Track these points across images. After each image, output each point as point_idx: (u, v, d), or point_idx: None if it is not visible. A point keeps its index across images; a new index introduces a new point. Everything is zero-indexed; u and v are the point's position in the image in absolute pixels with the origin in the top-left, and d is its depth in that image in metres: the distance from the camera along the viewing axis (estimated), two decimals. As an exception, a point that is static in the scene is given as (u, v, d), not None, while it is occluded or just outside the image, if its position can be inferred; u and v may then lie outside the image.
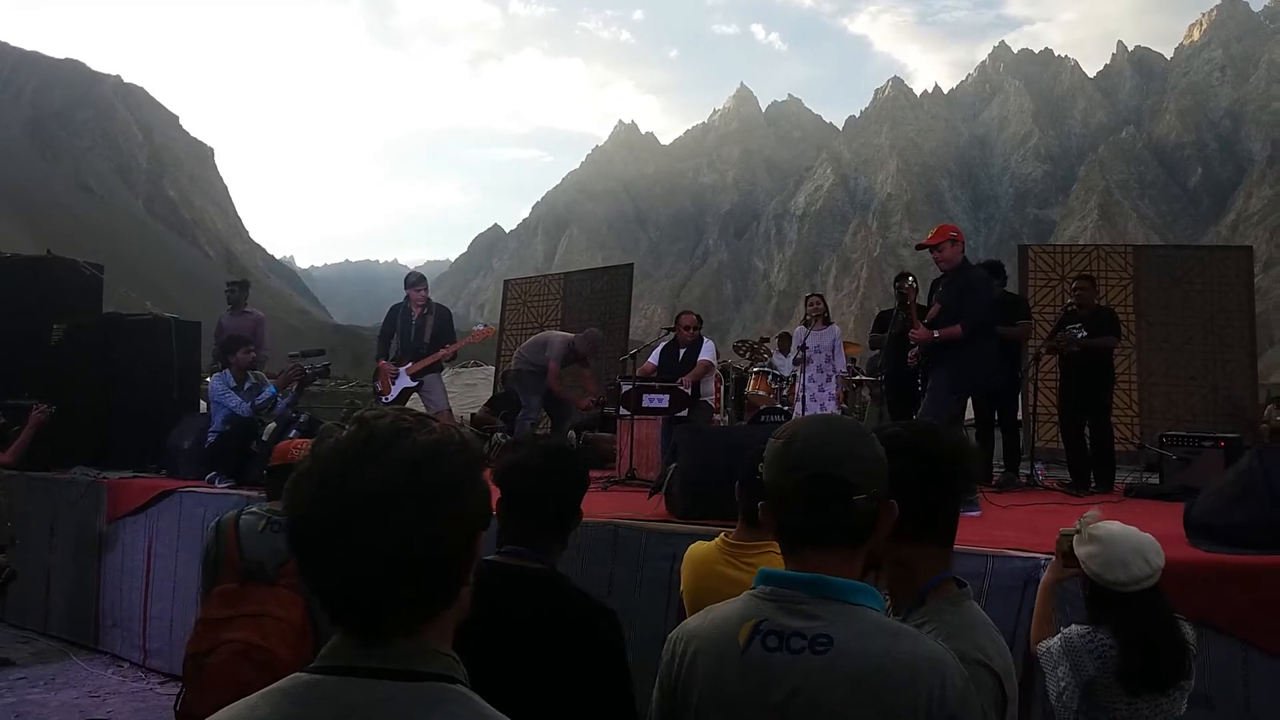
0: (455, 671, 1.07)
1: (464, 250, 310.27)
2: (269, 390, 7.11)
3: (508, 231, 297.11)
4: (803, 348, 8.37)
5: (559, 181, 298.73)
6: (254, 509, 3.32)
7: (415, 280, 8.55)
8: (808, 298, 9.18)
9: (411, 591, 1.03)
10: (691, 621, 1.58)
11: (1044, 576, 2.88)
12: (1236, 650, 3.37)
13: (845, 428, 1.57)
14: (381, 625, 1.04)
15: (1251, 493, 3.84)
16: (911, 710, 1.35)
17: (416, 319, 8.30)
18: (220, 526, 3.25)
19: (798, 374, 8.57)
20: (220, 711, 1.03)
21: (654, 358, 8.37)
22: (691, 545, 2.79)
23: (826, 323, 8.82)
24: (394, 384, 8.14)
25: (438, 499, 1.03)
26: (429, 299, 8.48)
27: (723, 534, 2.71)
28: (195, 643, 2.98)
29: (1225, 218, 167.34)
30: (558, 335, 8.64)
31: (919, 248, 6.47)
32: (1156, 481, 6.77)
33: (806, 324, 8.74)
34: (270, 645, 2.82)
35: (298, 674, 1.05)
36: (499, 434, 9.22)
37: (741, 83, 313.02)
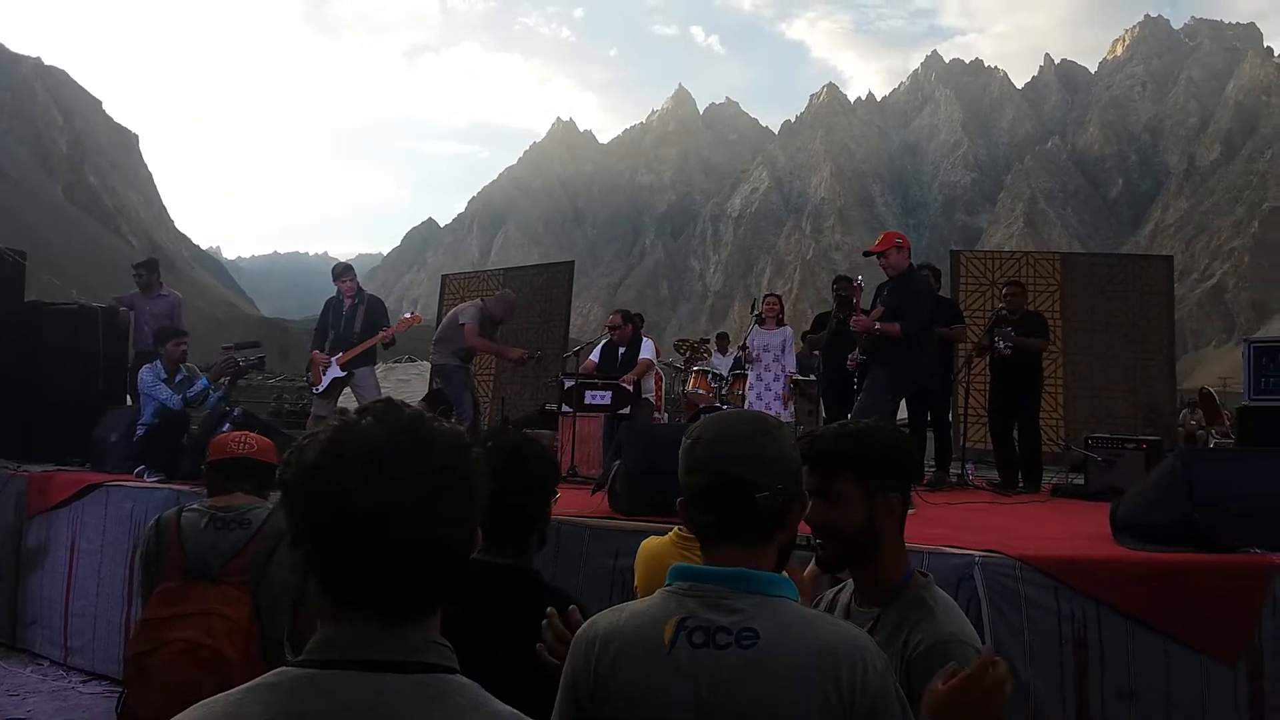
0: (452, 661, 1.06)
1: (397, 244, 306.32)
2: (201, 383, 6.94)
3: (442, 226, 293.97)
4: (743, 346, 8.46)
5: (495, 177, 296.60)
6: (195, 506, 3.23)
7: (342, 270, 8.48)
8: (765, 296, 9.27)
9: (435, 578, 1.06)
10: (602, 619, 1.53)
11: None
12: (1159, 644, 3.49)
13: (747, 426, 1.58)
14: (404, 611, 1.04)
15: (1173, 493, 3.99)
16: (836, 693, 1.36)
17: (348, 309, 8.21)
18: (160, 524, 3.16)
19: (748, 372, 8.66)
20: (197, 706, 1.00)
21: (594, 355, 8.39)
22: (645, 540, 2.82)
23: (780, 323, 8.92)
24: (325, 375, 8.03)
25: (466, 489, 1.08)
26: (359, 289, 8.40)
27: (676, 528, 2.75)
28: (137, 643, 2.90)
29: (1144, 228, 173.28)
30: (466, 304, 8.41)
31: (866, 254, 6.60)
32: (1082, 482, 6.98)
33: (760, 322, 8.84)
34: (217, 644, 2.75)
35: (284, 668, 1.03)
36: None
37: (680, 84, 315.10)
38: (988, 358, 7.57)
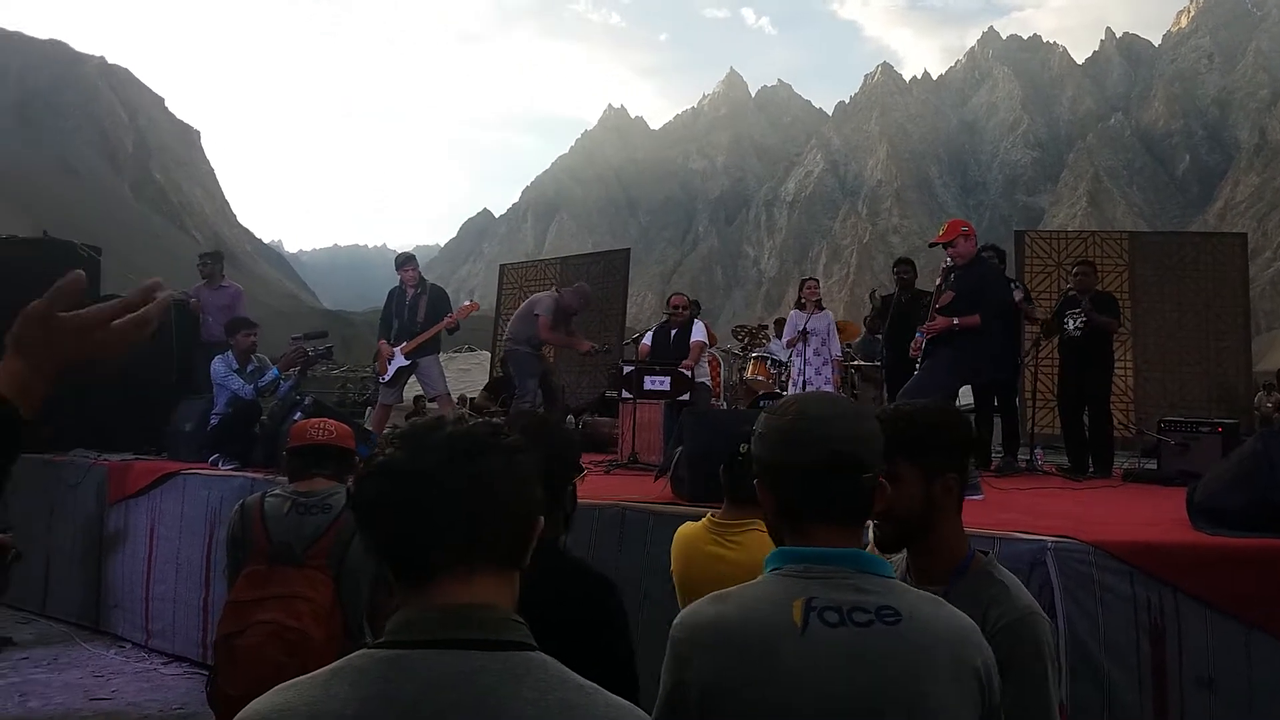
0: (530, 639, 1.09)
1: (454, 235, 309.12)
2: (272, 373, 7.10)
3: (497, 216, 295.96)
4: (802, 331, 8.42)
5: (548, 166, 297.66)
6: (277, 492, 3.33)
7: (404, 260, 8.55)
8: (805, 281, 9.21)
9: (504, 558, 1.12)
10: (705, 612, 1.44)
11: None
12: (1239, 631, 3.42)
13: (850, 405, 1.59)
14: (478, 590, 1.08)
15: (1255, 477, 3.89)
16: (975, 674, 1.38)
17: (410, 299, 8.29)
18: (245, 509, 3.26)
19: (793, 357, 8.63)
20: (280, 688, 1.03)
21: (647, 339, 8.42)
22: (680, 526, 2.84)
23: (820, 307, 8.87)
24: (390, 365, 8.15)
25: (522, 481, 1.14)
26: (421, 278, 8.48)
27: (709, 514, 2.77)
28: (225, 624, 3.01)
29: (1213, 205, 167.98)
30: (543, 295, 8.54)
31: (932, 245, 6.50)
32: (1154, 467, 6.84)
33: (801, 307, 8.78)
34: (302, 625, 2.84)
35: (367, 650, 1.05)
36: (499, 420, 9.23)
37: (731, 67, 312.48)
38: (1056, 340, 7.44)
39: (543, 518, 1.17)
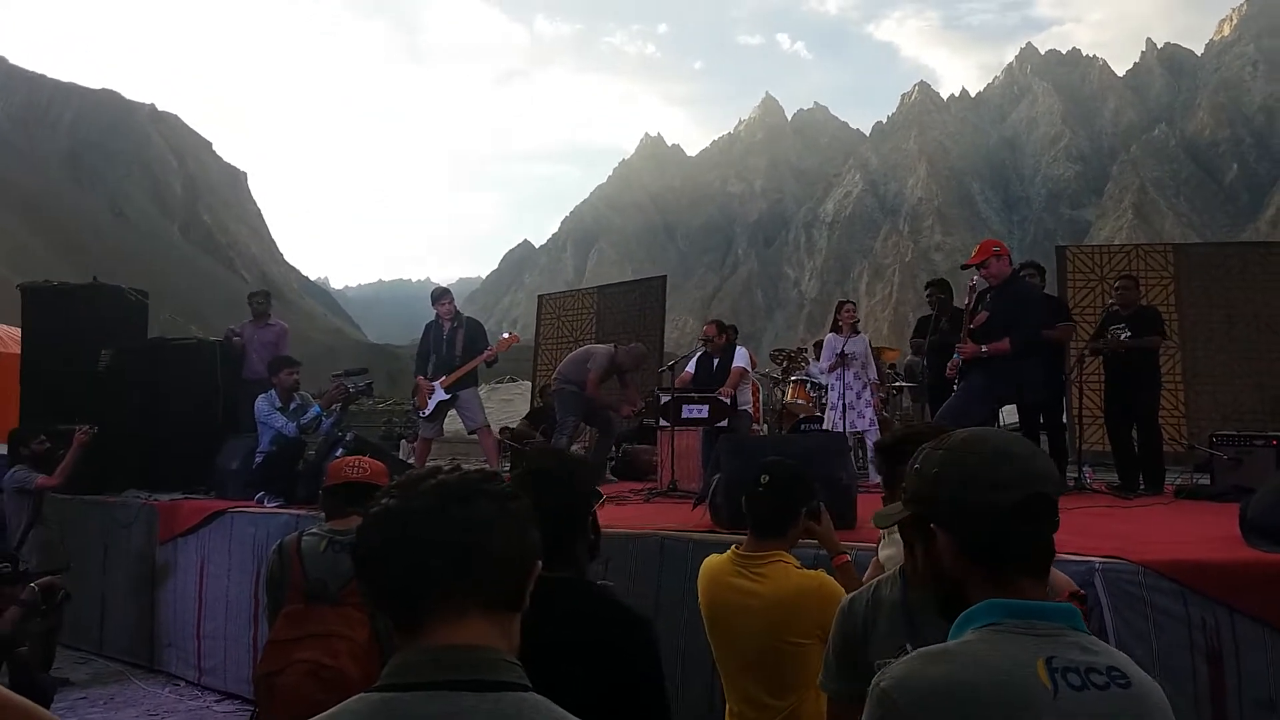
0: (524, 680, 1.10)
1: (495, 267, 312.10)
2: (314, 410, 7.19)
3: (537, 247, 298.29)
4: (841, 354, 8.35)
5: (587, 196, 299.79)
6: (314, 530, 3.38)
7: (439, 294, 8.62)
8: (842, 304, 9.13)
9: (495, 601, 1.13)
10: (928, 673, 1.28)
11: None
12: (1300, 652, 3.32)
13: (1025, 440, 1.49)
14: (471, 632, 1.09)
15: (1310, 491, 3.79)
16: None
17: (448, 333, 8.35)
18: (283, 549, 3.31)
19: (834, 380, 8.55)
20: None
21: (690, 367, 8.40)
22: (706, 558, 2.82)
23: (856, 330, 8.81)
24: (430, 400, 8.22)
25: (512, 528, 1.17)
26: (457, 311, 8.55)
27: (734, 546, 2.75)
28: (266, 663, 3.05)
29: (1264, 213, 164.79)
30: (600, 348, 8.67)
31: (964, 268, 6.43)
32: (1207, 482, 6.67)
33: (838, 330, 8.72)
34: (339, 664, 2.88)
35: (362, 695, 1.07)
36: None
37: (767, 92, 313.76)
38: (1101, 356, 7.31)
39: (540, 561, 1.20)
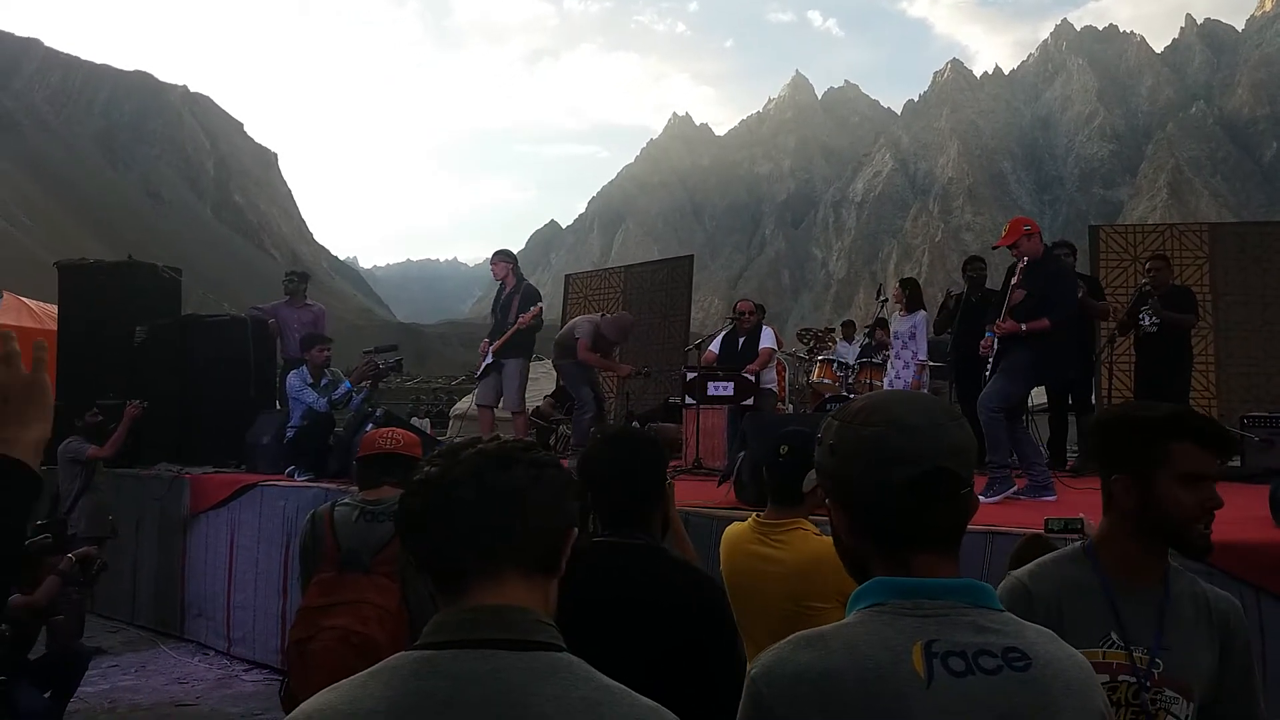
0: (560, 641, 1.13)
1: (522, 247, 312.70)
2: (344, 386, 7.27)
3: (564, 227, 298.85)
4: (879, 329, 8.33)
5: (614, 176, 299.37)
6: (347, 500, 3.44)
7: (493, 256, 8.55)
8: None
9: (532, 565, 1.17)
10: (798, 659, 1.18)
11: None
12: (1328, 632, 3.29)
13: (943, 408, 1.31)
14: (508, 594, 1.13)
15: (1342, 472, 3.75)
16: (1101, 713, 1.21)
17: (505, 297, 8.24)
18: (316, 518, 3.37)
19: (890, 358, 8.50)
20: (325, 690, 1.09)
21: (714, 346, 8.38)
22: (728, 527, 2.85)
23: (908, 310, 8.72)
24: (482, 362, 8.25)
25: (551, 493, 1.20)
26: (519, 277, 8.40)
27: (754, 514, 2.78)
28: (297, 630, 3.13)
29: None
30: (584, 318, 8.59)
31: (995, 248, 6.34)
32: (1238, 464, 6.60)
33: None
34: (369, 630, 2.96)
35: (403, 653, 1.11)
36: (563, 427, 9.28)
37: (797, 70, 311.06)
38: (1132, 336, 7.23)
39: (576, 529, 1.22)
